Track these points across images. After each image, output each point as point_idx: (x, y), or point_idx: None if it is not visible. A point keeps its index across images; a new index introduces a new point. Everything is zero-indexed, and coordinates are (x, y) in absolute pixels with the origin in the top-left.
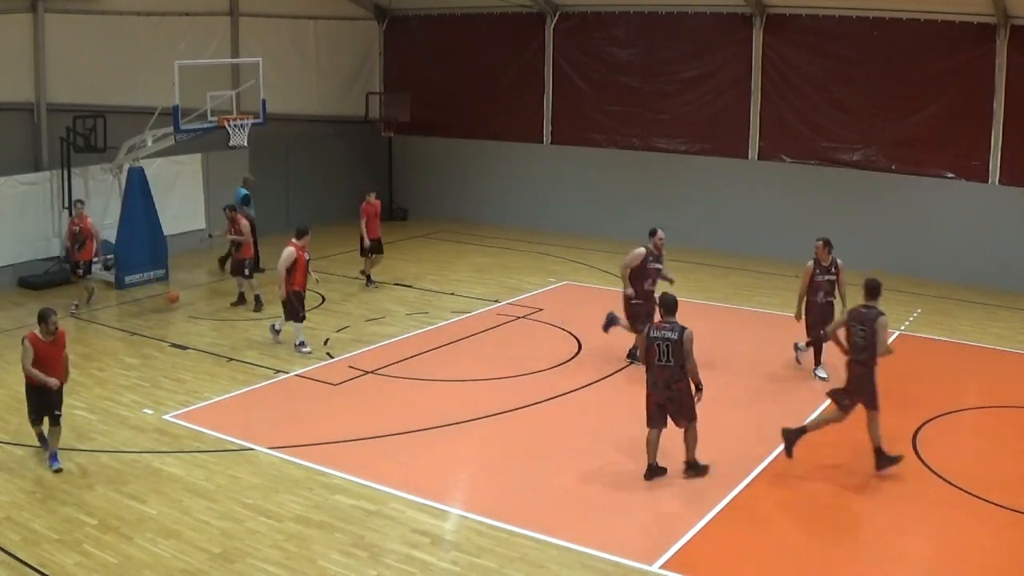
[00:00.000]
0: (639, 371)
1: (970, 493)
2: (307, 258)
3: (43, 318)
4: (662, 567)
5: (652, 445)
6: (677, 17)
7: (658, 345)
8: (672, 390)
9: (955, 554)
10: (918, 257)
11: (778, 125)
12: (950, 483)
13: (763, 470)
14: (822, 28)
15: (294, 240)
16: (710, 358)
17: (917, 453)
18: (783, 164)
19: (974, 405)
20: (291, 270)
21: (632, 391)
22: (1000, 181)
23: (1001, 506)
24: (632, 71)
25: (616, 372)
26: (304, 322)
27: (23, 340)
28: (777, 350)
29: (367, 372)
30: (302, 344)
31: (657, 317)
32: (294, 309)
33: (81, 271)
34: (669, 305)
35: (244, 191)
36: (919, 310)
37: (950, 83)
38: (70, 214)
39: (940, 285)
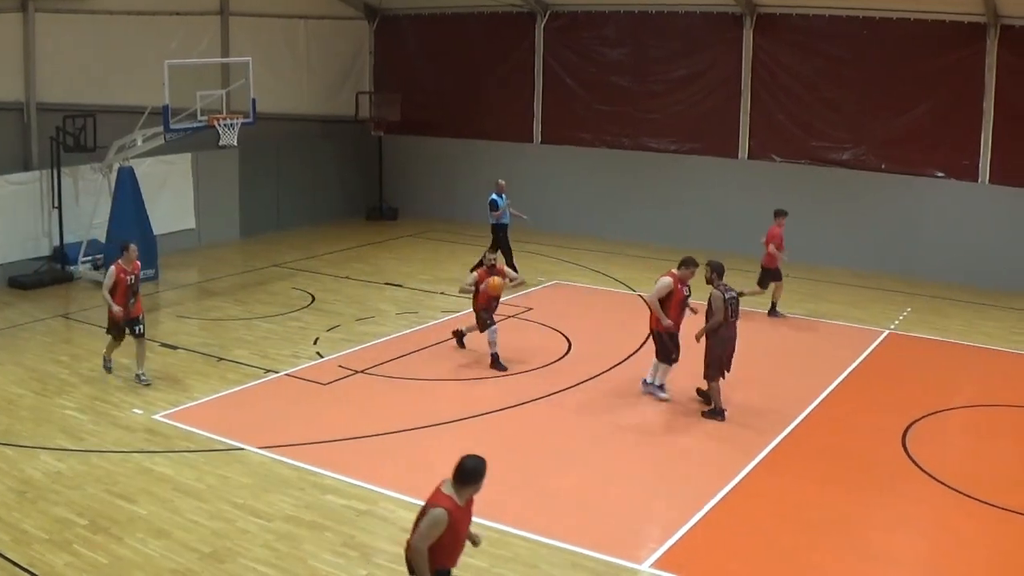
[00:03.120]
0: (629, 370)
1: (960, 491)
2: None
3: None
4: (652, 566)
5: (720, 393)
6: (667, 17)
7: (731, 304)
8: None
9: (944, 552)
10: (908, 256)
11: (768, 125)
12: (940, 481)
13: (753, 469)
14: (812, 28)
15: None
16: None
17: (907, 451)
18: (773, 163)
19: (964, 404)
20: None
21: (622, 390)
22: (990, 180)
23: (991, 504)
24: (622, 71)
25: (606, 371)
26: None
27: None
28: (765, 343)
29: (357, 372)
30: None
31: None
32: None
33: (140, 329)
34: (721, 269)
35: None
36: (909, 309)
37: (940, 83)
38: (57, 205)
39: (931, 284)
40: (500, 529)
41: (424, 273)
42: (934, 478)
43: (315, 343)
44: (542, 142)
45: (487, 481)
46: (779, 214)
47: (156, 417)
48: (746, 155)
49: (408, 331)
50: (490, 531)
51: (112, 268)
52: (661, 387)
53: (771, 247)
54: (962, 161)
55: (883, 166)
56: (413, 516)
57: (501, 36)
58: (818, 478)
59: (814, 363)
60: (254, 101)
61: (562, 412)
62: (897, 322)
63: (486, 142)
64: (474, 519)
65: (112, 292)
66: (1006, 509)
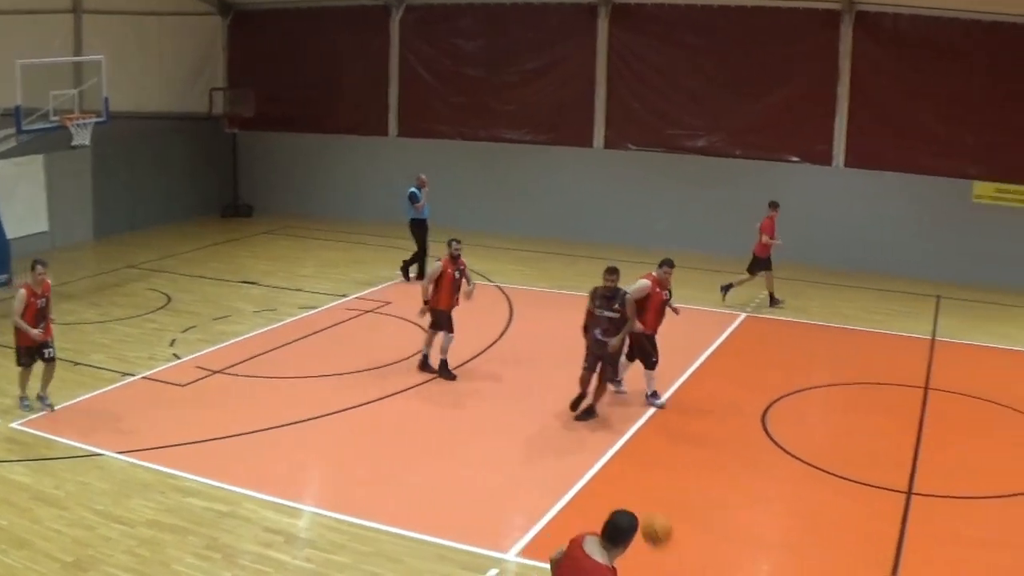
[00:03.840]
0: (487, 362)
1: (818, 468)
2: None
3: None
4: (518, 554)
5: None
6: (523, 8)
7: None
8: None
9: (802, 527)
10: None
11: (623, 114)
12: (798, 459)
13: (613, 456)
14: (668, 17)
15: None
16: (565, 345)
17: (767, 431)
18: (630, 152)
19: (821, 383)
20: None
21: (480, 381)
22: (845, 164)
23: (848, 479)
24: (478, 62)
25: (464, 363)
26: None
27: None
28: None
29: (215, 372)
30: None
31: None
32: None
33: (50, 352)
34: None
35: None
36: (764, 293)
37: (796, 70)
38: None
39: (789, 267)
40: (364, 525)
41: (281, 270)
42: (793, 456)
43: (172, 344)
44: (399, 135)
45: (352, 477)
46: (772, 206)
47: (13, 426)
48: (602, 144)
49: (265, 329)
50: (353, 528)
51: (22, 291)
52: (654, 395)
53: (765, 237)
54: (817, 146)
55: (739, 152)
56: (276, 516)
57: (356, 30)
58: (680, 460)
59: (673, 347)
60: (107, 100)
61: (423, 406)
62: (754, 305)
63: (342, 137)
64: (336, 515)
65: (21, 316)
66: (863, 483)
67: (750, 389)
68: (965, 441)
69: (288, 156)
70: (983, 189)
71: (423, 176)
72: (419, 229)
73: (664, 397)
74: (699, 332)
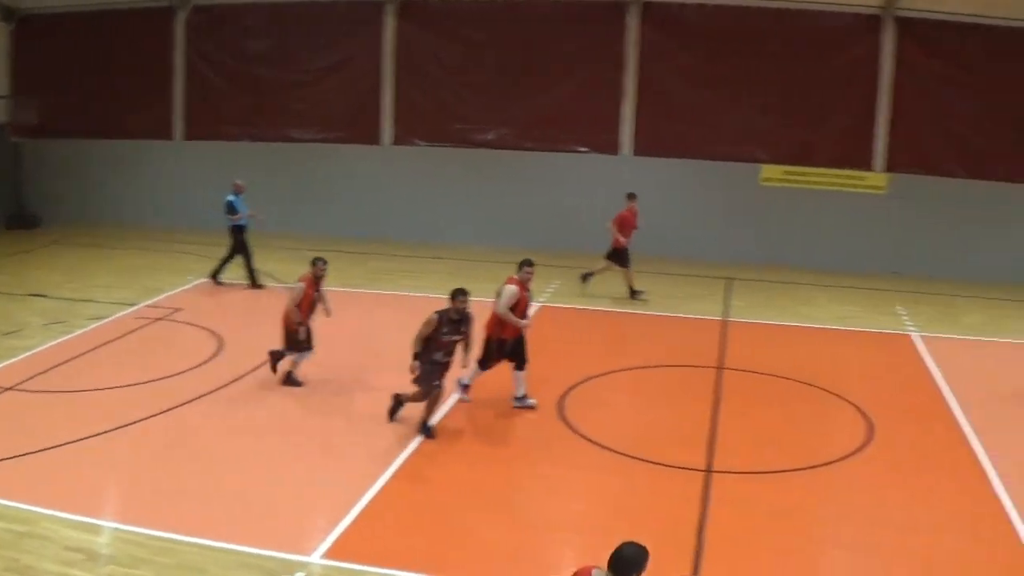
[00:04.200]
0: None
1: (616, 451)
2: None
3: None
4: (323, 556)
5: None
6: (309, 6)
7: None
8: None
9: (605, 511)
10: (555, 231)
11: (411, 110)
12: (597, 444)
13: (412, 453)
14: (455, 12)
15: None
16: (366, 344)
17: (564, 419)
18: (419, 148)
19: (617, 368)
20: None
21: (275, 385)
22: (633, 153)
23: (646, 460)
24: (266, 62)
25: (259, 368)
26: None
27: None
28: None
29: (5, 389)
30: None
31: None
32: None
33: None
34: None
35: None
36: (558, 282)
37: (582, 60)
38: None
39: (577, 256)
40: (165, 537)
41: (71, 281)
42: (592, 441)
43: None
44: (187, 139)
45: (152, 489)
46: (631, 197)
47: None
48: (391, 141)
49: (56, 342)
50: (155, 541)
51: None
52: (524, 397)
53: (614, 228)
54: (604, 135)
55: (528, 144)
56: (76, 533)
57: (140, 33)
58: (480, 452)
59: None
60: None
61: (218, 412)
62: (547, 295)
63: (130, 142)
64: (137, 529)
65: None
66: (663, 464)
67: (546, 378)
68: (760, 417)
69: (77, 164)
70: (771, 172)
71: (240, 182)
72: (239, 235)
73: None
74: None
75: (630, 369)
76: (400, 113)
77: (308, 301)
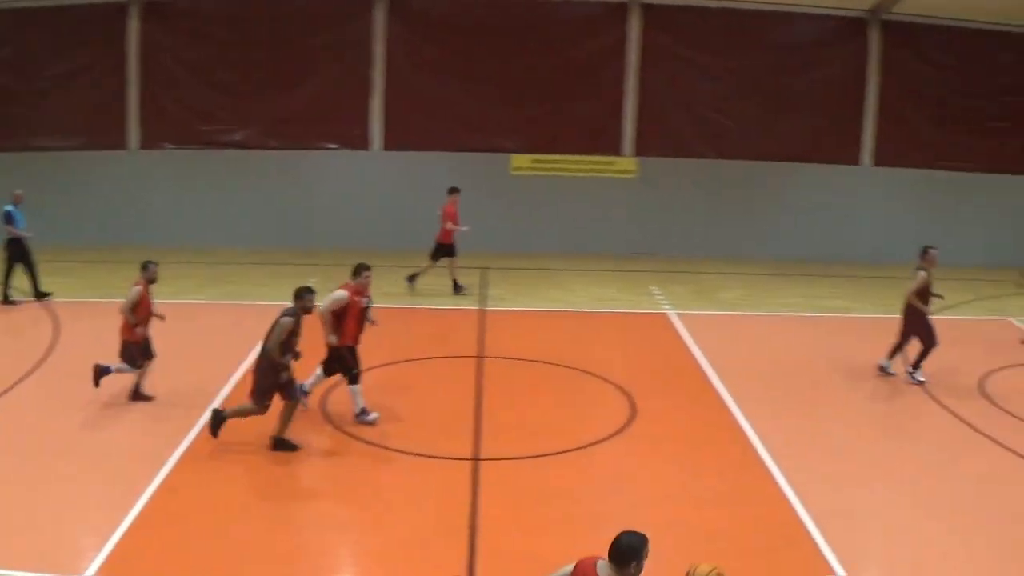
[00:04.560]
0: (39, 382)
1: (384, 447)
2: None
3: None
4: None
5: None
6: (51, 11)
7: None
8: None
9: (376, 506)
10: (308, 228)
11: (158, 114)
12: (361, 440)
13: (177, 463)
14: (199, 12)
15: None
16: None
17: (328, 418)
18: (168, 152)
19: (377, 364)
20: None
21: (35, 401)
22: (384, 147)
23: (414, 454)
24: (5, 70)
25: (17, 383)
26: None
27: None
28: (198, 339)
29: None
30: None
31: None
32: None
33: None
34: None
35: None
36: (314, 279)
37: (330, 57)
38: None
39: (330, 253)
40: None
41: None
42: (359, 439)
43: None
44: None
45: None
46: (453, 191)
47: None
48: (137, 145)
49: None
50: None
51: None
52: (364, 412)
53: (448, 224)
54: (354, 131)
55: (275, 144)
56: None
57: None
58: (244, 459)
59: (225, 346)
60: None
61: None
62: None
63: None
64: None
65: None
66: (431, 456)
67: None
68: (525, 403)
69: None
70: (520, 161)
71: (19, 192)
72: (18, 247)
73: (373, 416)
74: (248, 327)
75: (391, 364)
76: (145, 117)
77: (146, 307)
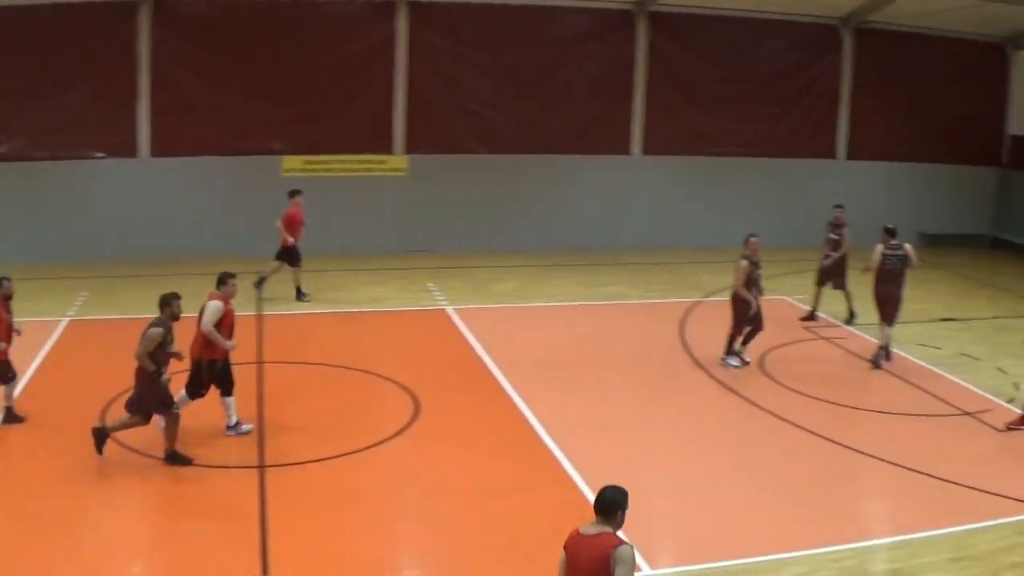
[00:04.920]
0: None
1: (161, 459)
2: None
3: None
4: None
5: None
6: None
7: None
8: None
9: (164, 521)
10: (75, 242)
11: None
12: (143, 454)
13: None
14: None
15: None
16: None
17: (104, 429)
18: None
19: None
20: None
21: None
22: (152, 154)
23: (199, 465)
24: None
25: None
26: None
27: None
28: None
29: None
30: None
31: None
32: None
33: None
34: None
35: None
36: (86, 293)
37: (93, 64)
38: None
39: (102, 265)
40: None
41: None
42: (140, 453)
43: None
44: None
45: None
46: (294, 193)
47: None
48: None
49: None
50: None
51: None
52: (238, 424)
53: (282, 227)
54: (120, 139)
55: (43, 154)
56: None
57: None
58: (34, 480)
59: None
60: None
61: None
62: (74, 309)
63: None
64: None
65: None
66: (216, 466)
67: (84, 395)
68: (308, 406)
69: None
70: (291, 163)
71: None
72: None
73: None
74: (24, 344)
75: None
76: None
77: (4, 325)
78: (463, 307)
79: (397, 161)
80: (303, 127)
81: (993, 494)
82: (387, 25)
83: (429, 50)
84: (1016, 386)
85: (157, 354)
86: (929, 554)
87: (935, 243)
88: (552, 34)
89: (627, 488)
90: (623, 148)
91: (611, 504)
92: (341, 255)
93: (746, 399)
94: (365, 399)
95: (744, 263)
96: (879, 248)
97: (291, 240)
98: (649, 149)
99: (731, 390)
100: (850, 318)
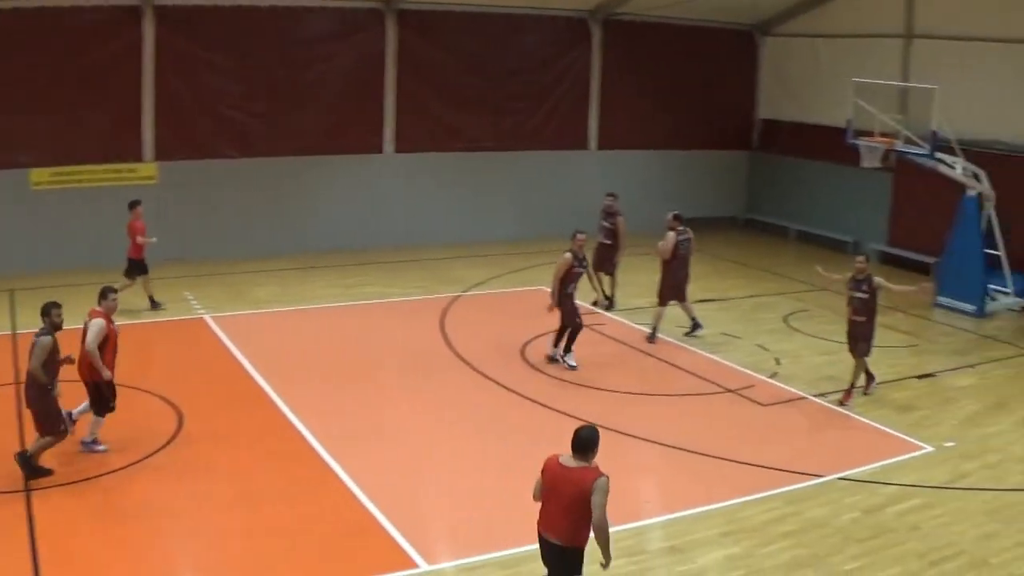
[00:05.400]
0: None
1: None
2: None
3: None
4: None
5: None
6: None
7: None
8: None
9: None
10: None
11: None
12: None
13: None
14: None
15: None
16: None
17: None
18: None
19: None
20: None
21: None
22: None
23: None
24: None
25: None
26: None
27: None
28: None
29: None
30: None
31: None
32: None
33: None
34: None
35: None
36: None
37: None
38: None
39: None
40: None
41: None
42: None
43: None
44: None
45: None
46: (134, 204)
47: None
48: None
49: None
50: None
51: None
52: (95, 441)
53: (138, 238)
54: None
55: None
56: None
57: None
58: None
59: None
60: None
61: None
62: None
63: None
64: None
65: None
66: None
67: None
68: None
69: None
70: (40, 176)
71: None
72: None
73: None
74: None
75: None
76: None
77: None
78: (223, 315)
79: (147, 169)
80: (52, 138)
81: (760, 466)
82: (134, 31)
83: (177, 55)
84: (777, 361)
85: (49, 364)
86: (703, 529)
87: (691, 226)
88: (300, 34)
89: (399, 489)
90: (376, 147)
91: (587, 442)
92: (93, 268)
93: (512, 390)
94: (127, 415)
95: (567, 256)
96: (671, 236)
97: (141, 246)
98: (402, 147)
99: (495, 382)
100: (609, 305)
